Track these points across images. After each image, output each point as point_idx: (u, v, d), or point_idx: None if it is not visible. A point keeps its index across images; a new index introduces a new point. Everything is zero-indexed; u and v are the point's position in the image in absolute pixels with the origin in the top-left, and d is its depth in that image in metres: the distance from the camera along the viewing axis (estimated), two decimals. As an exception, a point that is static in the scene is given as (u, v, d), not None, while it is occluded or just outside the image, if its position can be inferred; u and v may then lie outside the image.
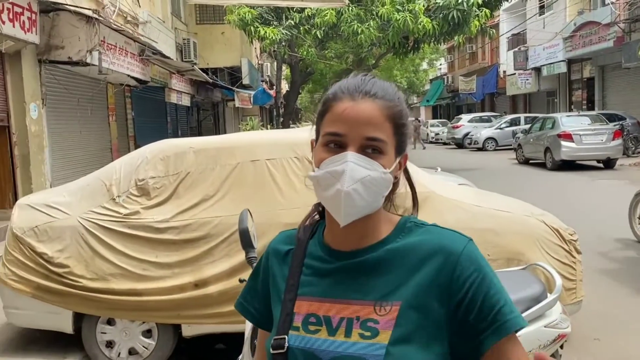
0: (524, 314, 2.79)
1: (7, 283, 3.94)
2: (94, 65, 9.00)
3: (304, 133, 4.41)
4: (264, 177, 3.95)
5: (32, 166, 8.51)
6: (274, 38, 13.56)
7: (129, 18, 12.04)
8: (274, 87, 23.84)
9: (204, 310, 3.84)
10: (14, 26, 7.58)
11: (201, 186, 3.94)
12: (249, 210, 2.15)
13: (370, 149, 0.99)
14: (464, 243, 1.01)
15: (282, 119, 21.77)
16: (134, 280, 3.81)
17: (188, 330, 4.00)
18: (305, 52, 15.37)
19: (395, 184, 1.08)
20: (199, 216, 3.87)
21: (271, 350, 1.01)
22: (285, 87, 29.07)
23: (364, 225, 1.03)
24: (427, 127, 35.03)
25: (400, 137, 1.03)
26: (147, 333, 4.03)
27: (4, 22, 7.34)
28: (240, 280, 2.11)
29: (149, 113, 15.12)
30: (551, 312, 2.94)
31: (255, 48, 23.48)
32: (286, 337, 1.00)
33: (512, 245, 3.81)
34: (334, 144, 1.00)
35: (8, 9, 7.40)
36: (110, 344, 4.04)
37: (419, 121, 34.51)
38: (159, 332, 4.00)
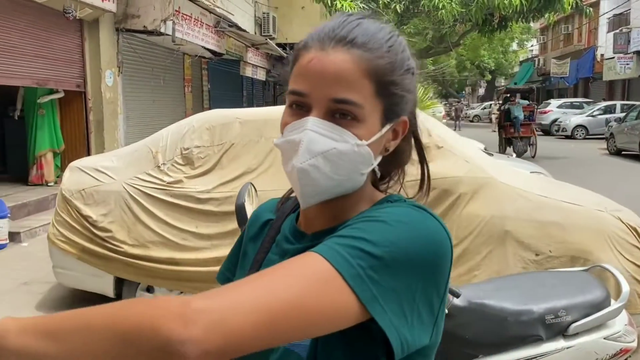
0: (580, 322, 2.44)
1: (55, 243, 4.03)
2: (167, 35, 9.13)
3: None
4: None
5: (105, 131, 8.83)
6: (350, 12, 13.20)
7: (208, -11, 12.14)
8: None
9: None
10: (91, -6, 7.79)
11: (244, 158, 3.83)
12: (252, 185, 1.95)
13: (340, 113, 0.76)
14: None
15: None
16: (173, 249, 3.78)
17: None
18: (383, 27, 14.88)
19: (399, 158, 0.88)
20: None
21: None
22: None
23: (337, 207, 0.83)
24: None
25: (389, 99, 0.79)
26: (185, 303, 4.00)
27: (82, -10, 7.56)
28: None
29: (224, 86, 15.33)
30: (614, 322, 2.55)
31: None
32: None
33: (579, 242, 3.39)
34: (296, 105, 0.79)
35: (86, -24, 7.60)
36: (148, 311, 4.05)
37: (461, 103, 33.69)
38: (196, 303, 3.96)
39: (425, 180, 0.90)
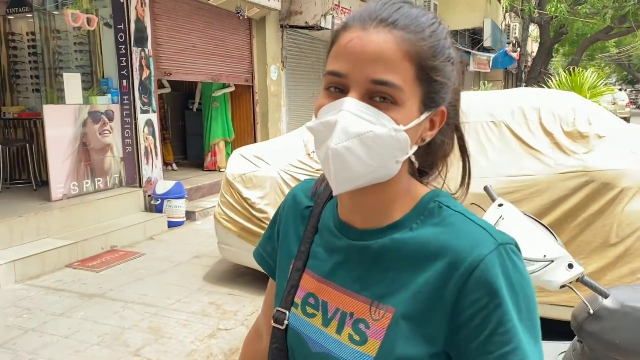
0: None
1: (220, 222, 4.51)
2: (327, 29, 9.49)
3: (505, 96, 3.97)
4: (455, 142, 3.68)
5: (270, 123, 9.50)
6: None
7: (367, -18, 12.33)
8: (520, 49, 22.07)
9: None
10: (259, -6, 8.42)
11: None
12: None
13: (379, 96, 0.74)
14: (487, 250, 0.72)
15: (524, 84, 20.13)
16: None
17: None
18: (554, 9, 13.77)
19: (437, 150, 0.84)
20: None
21: (272, 321, 0.91)
22: (535, 49, 26.69)
23: (374, 199, 0.81)
24: None
25: (429, 86, 0.76)
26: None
27: (251, -9, 8.21)
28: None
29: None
30: None
31: (502, 8, 21.96)
32: (287, 312, 0.88)
33: None
34: (334, 87, 0.76)
35: (255, -22, 8.23)
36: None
37: None
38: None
39: (466, 176, 0.87)
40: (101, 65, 6.68)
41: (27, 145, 6.79)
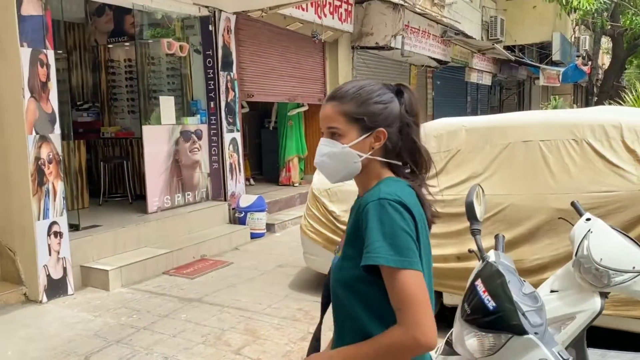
0: None
1: (306, 233, 4.83)
2: (397, 48, 9.77)
3: (586, 114, 4.08)
4: (536, 159, 3.82)
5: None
6: (588, 8, 12.27)
7: (435, 1, 12.54)
8: (590, 62, 21.46)
9: (465, 282, 3.96)
10: (333, 18, 8.83)
11: (470, 164, 4.05)
12: (480, 186, 2.24)
13: (332, 133, 1.37)
14: (372, 200, 1.28)
15: (595, 98, 19.55)
16: (403, 245, 4.20)
17: (449, 299, 4.21)
18: (629, 21, 13.44)
19: (404, 153, 1.38)
20: (465, 192, 3.99)
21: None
22: (606, 62, 25.84)
23: (358, 181, 1.44)
24: None
25: (361, 120, 1.35)
26: (413, 295, 4.40)
27: (325, 15, 8.63)
28: (470, 251, 2.23)
29: (448, 92, 15.54)
30: None
31: (572, 20, 21.48)
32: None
33: None
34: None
35: (329, 3, 8.65)
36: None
37: None
38: (422, 296, 4.33)
39: (421, 170, 1.41)
40: (190, 88, 7.25)
41: (124, 162, 7.43)
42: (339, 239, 4.55)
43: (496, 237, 2.26)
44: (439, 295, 4.26)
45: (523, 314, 1.72)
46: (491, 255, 2.03)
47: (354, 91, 1.36)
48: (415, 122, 1.38)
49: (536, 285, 2.17)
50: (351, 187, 4.72)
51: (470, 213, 2.06)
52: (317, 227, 4.74)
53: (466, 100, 17.23)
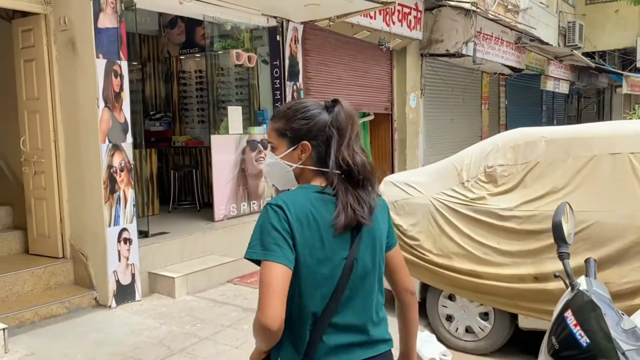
0: None
1: (371, 246, 4.66)
2: (468, 56, 9.45)
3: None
4: (625, 173, 3.49)
5: (407, 149, 9.61)
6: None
7: (509, 7, 12.07)
8: (680, 68, 19.97)
9: (543, 305, 3.66)
10: (401, 25, 8.66)
11: (550, 177, 3.76)
12: (568, 204, 2.02)
13: (271, 147, 1.59)
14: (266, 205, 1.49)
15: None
16: (475, 262, 3.92)
17: (525, 322, 3.93)
18: None
19: (329, 159, 1.49)
20: (544, 208, 3.70)
21: None
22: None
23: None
24: None
25: (286, 137, 1.53)
26: (484, 315, 4.13)
27: (394, 23, 8.47)
28: (555, 275, 2.00)
29: (522, 101, 14.90)
30: None
31: (659, 24, 20.10)
32: None
33: None
34: None
35: (398, 10, 8.49)
36: (449, 318, 4.32)
37: None
38: (495, 317, 4.06)
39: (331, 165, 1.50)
40: (257, 99, 7.30)
41: (193, 170, 7.57)
42: (406, 255, 4.37)
43: (586, 261, 2.01)
44: (513, 317, 3.99)
45: (623, 353, 1.49)
46: (582, 283, 1.80)
47: (284, 110, 1.56)
48: (340, 133, 1.48)
49: (626, 312, 1.93)
50: (419, 200, 4.49)
51: (558, 234, 1.84)
52: (383, 240, 4.56)
53: (541, 109, 16.47)
